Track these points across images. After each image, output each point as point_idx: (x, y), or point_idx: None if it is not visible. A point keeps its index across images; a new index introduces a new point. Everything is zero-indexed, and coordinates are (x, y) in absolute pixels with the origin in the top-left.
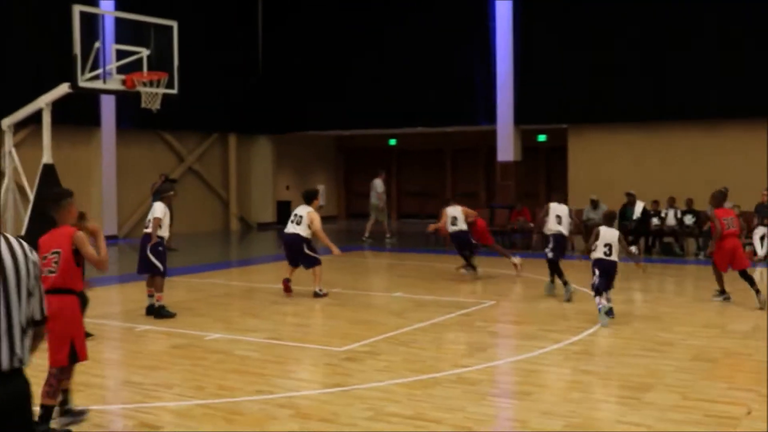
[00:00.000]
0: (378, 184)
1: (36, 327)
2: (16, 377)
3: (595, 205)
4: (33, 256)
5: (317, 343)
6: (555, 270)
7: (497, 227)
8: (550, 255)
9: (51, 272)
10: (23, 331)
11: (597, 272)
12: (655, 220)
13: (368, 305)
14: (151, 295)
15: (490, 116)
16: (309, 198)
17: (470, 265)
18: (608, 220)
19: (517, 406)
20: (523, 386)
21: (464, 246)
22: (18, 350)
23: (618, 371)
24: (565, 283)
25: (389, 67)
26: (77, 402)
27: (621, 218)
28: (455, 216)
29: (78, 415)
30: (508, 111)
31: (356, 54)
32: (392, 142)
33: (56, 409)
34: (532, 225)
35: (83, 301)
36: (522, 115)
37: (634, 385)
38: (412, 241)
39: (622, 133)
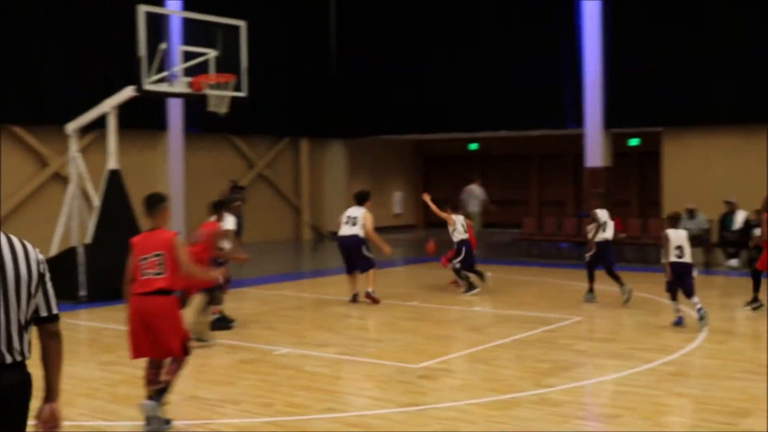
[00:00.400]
0: (477, 190)
1: (44, 324)
2: (17, 369)
3: (691, 214)
4: (36, 255)
5: (391, 359)
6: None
7: (584, 237)
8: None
9: (157, 274)
10: (23, 328)
11: (673, 275)
12: (757, 231)
13: (446, 320)
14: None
15: (578, 119)
16: (362, 199)
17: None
18: (674, 222)
19: (603, 430)
20: (610, 409)
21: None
22: (17, 345)
23: (714, 394)
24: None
25: (470, 67)
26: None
27: (721, 228)
28: (463, 224)
29: (164, 423)
30: (597, 114)
31: (435, 54)
32: (473, 146)
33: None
34: (621, 235)
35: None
36: (612, 118)
37: (732, 410)
38: (494, 251)
39: (722, 136)
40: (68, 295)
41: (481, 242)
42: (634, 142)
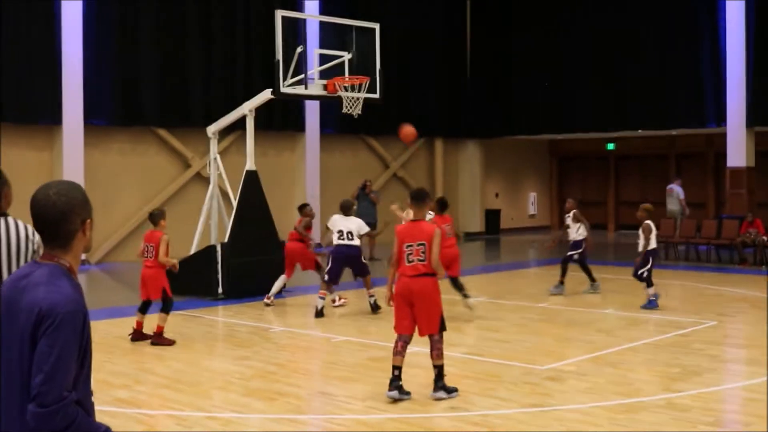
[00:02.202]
0: (677, 189)
1: None
2: None
3: None
4: (35, 237)
5: (519, 360)
6: None
7: (725, 239)
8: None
9: (420, 260)
10: None
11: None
12: None
13: (576, 322)
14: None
15: (720, 117)
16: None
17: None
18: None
19: None
20: (740, 416)
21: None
22: None
23: None
24: None
25: (606, 65)
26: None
27: None
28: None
29: (450, 392)
30: (740, 112)
31: (570, 52)
32: (610, 146)
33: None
34: (765, 238)
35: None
36: (756, 116)
37: None
38: (631, 253)
39: None
40: (206, 292)
41: (614, 244)
42: None
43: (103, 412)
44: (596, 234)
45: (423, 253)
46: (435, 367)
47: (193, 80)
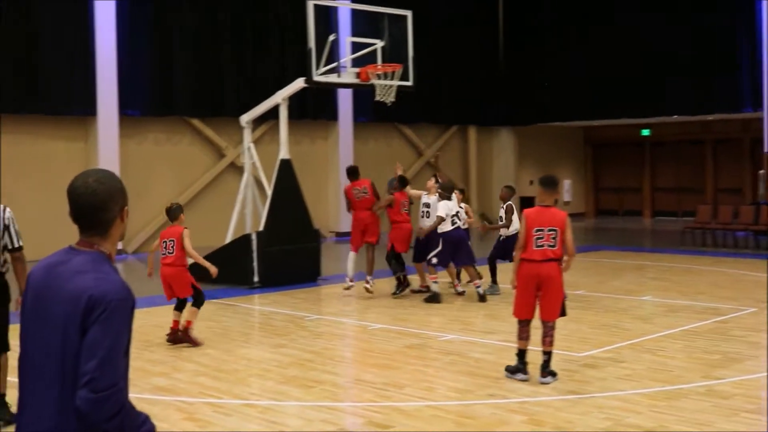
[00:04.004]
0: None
1: (12, 252)
2: None
3: None
4: (4, 214)
5: (556, 347)
6: None
7: (763, 225)
8: None
9: (551, 246)
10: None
11: None
12: None
13: (613, 309)
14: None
15: (756, 102)
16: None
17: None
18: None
19: None
20: None
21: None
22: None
23: None
24: None
25: (640, 50)
26: None
27: None
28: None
29: (554, 375)
30: None
31: (604, 39)
32: (645, 132)
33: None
34: None
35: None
36: None
37: None
38: (667, 240)
39: None
40: (242, 281)
41: (650, 231)
42: None
43: (142, 400)
44: (632, 220)
45: (554, 239)
46: (545, 353)
47: (226, 70)
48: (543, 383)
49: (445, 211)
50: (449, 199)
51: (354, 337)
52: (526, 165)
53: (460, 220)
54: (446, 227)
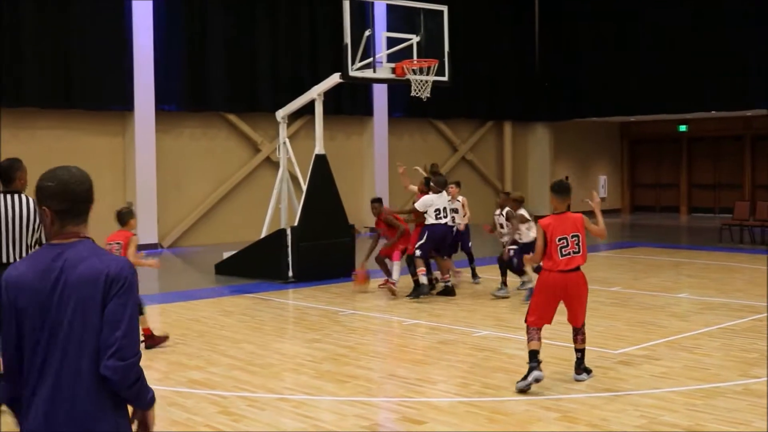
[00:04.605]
0: None
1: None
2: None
3: None
4: (33, 204)
5: (591, 344)
6: None
7: None
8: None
9: (576, 252)
10: (30, 248)
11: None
12: None
13: (649, 306)
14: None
15: None
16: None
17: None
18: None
19: None
20: None
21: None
22: (24, 254)
23: None
24: None
25: (677, 44)
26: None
27: None
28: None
29: (589, 373)
30: None
31: (641, 34)
32: (682, 128)
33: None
34: None
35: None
36: None
37: None
38: (704, 237)
39: None
40: (277, 275)
41: (687, 228)
42: None
43: (177, 393)
44: (668, 217)
45: (578, 244)
46: (578, 350)
47: (261, 65)
48: (577, 380)
49: (423, 204)
50: (438, 193)
51: (388, 333)
52: (562, 160)
53: (447, 215)
54: (430, 220)
